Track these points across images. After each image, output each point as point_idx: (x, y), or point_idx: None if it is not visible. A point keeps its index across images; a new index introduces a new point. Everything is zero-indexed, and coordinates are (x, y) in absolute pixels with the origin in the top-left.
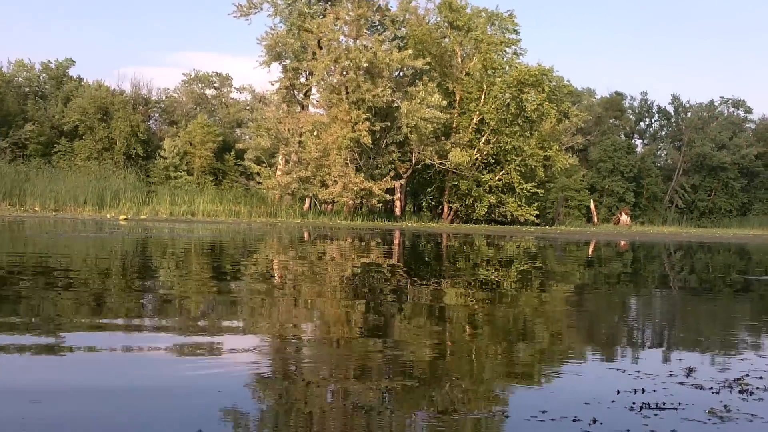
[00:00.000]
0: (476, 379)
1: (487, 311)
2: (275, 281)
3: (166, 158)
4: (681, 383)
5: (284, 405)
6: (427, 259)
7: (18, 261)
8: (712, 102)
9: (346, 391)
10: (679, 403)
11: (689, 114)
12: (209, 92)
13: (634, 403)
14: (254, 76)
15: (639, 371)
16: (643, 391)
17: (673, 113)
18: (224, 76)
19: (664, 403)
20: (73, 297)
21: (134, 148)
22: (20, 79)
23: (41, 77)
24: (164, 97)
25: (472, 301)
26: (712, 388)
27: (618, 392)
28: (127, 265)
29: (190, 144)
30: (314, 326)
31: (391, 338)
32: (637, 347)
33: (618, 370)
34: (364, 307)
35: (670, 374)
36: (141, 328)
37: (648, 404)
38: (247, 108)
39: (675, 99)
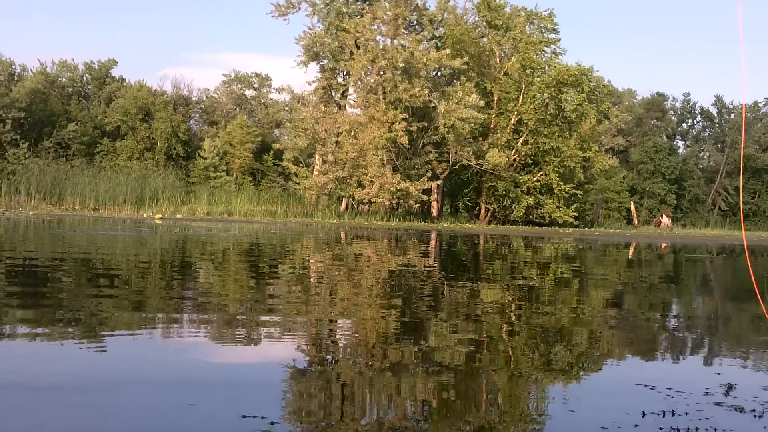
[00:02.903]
0: (489, 395)
1: (514, 318)
2: (313, 283)
3: (206, 158)
4: (718, 404)
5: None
6: (463, 261)
7: (35, 257)
8: (756, 103)
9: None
10: (715, 429)
11: (733, 115)
12: (249, 93)
13: (661, 429)
14: (294, 77)
15: (670, 388)
16: (674, 413)
17: (716, 114)
18: (264, 76)
19: (697, 429)
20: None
21: (175, 149)
22: (64, 79)
23: (84, 77)
24: (204, 98)
25: (499, 307)
26: (754, 410)
27: (644, 414)
28: (148, 266)
29: (230, 144)
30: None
31: (389, 360)
32: (671, 359)
33: (646, 386)
34: (390, 315)
35: (707, 392)
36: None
37: (677, 430)
38: (286, 108)
39: (718, 100)
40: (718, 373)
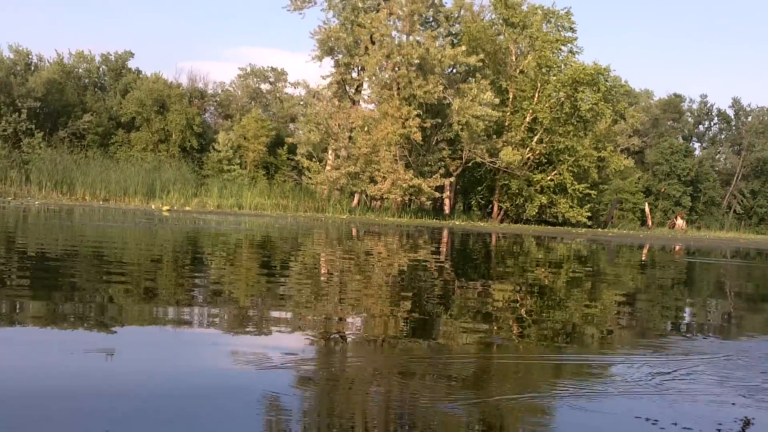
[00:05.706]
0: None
1: (506, 325)
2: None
3: (219, 151)
4: None
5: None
6: (474, 259)
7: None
8: None
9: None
10: None
11: (750, 118)
12: (264, 87)
13: None
14: (309, 72)
15: (676, 423)
16: None
17: (733, 117)
18: (279, 71)
19: None
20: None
21: (189, 141)
22: (80, 70)
23: (101, 69)
24: (220, 91)
25: (493, 311)
26: None
27: None
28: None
29: (244, 138)
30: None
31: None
32: (679, 383)
33: (647, 420)
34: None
35: (719, 429)
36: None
37: None
38: (301, 103)
39: (735, 102)
40: (733, 404)
